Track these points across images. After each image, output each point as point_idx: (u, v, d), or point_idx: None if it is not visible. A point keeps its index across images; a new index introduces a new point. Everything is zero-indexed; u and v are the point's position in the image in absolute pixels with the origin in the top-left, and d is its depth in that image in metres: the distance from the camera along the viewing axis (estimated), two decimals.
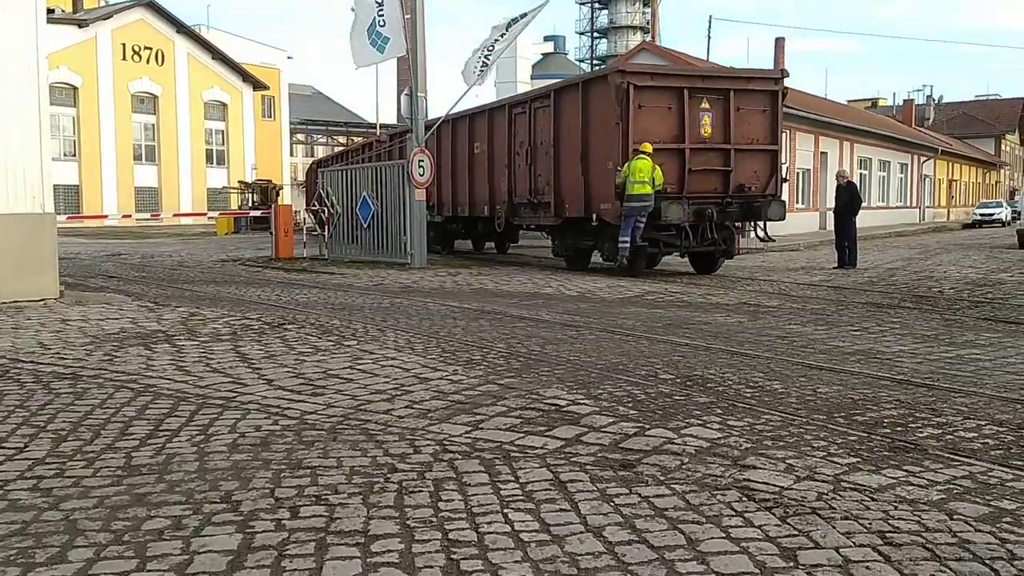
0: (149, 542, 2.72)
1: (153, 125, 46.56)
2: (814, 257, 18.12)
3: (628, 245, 13.10)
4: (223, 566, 2.54)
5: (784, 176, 14.74)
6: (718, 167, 13.51)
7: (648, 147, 12.82)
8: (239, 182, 44.76)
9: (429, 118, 16.90)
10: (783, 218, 14.25)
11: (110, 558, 2.60)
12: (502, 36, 15.65)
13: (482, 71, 15.65)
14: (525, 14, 15.85)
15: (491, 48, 15.55)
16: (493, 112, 17.39)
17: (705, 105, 13.38)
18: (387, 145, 22.54)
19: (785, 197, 15.21)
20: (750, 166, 13.73)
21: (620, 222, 13.12)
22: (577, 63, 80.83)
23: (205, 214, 37.81)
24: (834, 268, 15.36)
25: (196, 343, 6.54)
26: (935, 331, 7.74)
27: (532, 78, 70.75)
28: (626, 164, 12.81)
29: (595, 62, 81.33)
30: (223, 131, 49.99)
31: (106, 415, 4.32)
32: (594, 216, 13.71)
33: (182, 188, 46.87)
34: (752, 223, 14.15)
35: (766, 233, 14.17)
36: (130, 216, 34.28)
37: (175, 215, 35.82)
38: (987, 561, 2.56)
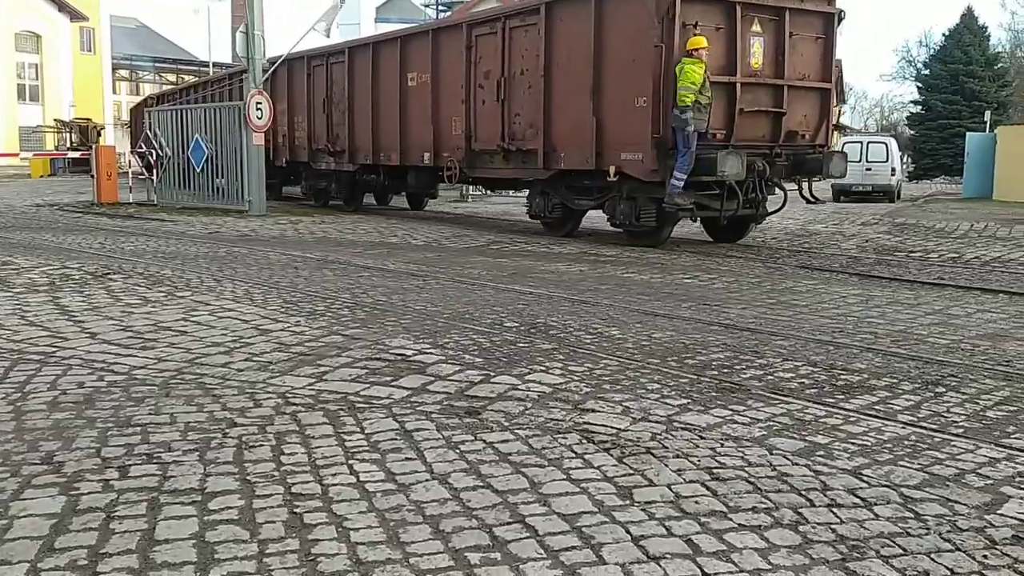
0: None
1: None
2: None
3: (684, 181, 9.91)
4: (46, 530, 2.39)
5: (837, 122, 12.63)
6: (768, 108, 10.67)
7: (702, 40, 9.77)
8: (55, 121, 41.40)
9: (267, 57, 16.12)
10: (844, 175, 11.94)
11: None
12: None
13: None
14: None
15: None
16: (440, 34, 13.81)
17: (756, 28, 10.48)
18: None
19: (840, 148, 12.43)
20: (800, 108, 10.98)
21: (676, 155, 9.90)
22: (423, 7, 79.37)
23: (17, 154, 34.78)
24: None
25: (9, 295, 6.06)
26: (759, 278, 8.24)
27: (376, 21, 68.99)
28: (689, 70, 9.62)
29: (440, 8, 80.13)
30: (37, 65, 45.92)
31: None
32: (611, 170, 10.61)
33: None
34: (798, 179, 11.52)
35: (811, 192, 11.69)
36: None
37: None
38: (803, 492, 2.77)
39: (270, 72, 16.24)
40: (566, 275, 8.19)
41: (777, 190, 11.26)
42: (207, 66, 46.25)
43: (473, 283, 7.40)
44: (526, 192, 15.86)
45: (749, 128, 10.55)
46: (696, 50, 9.68)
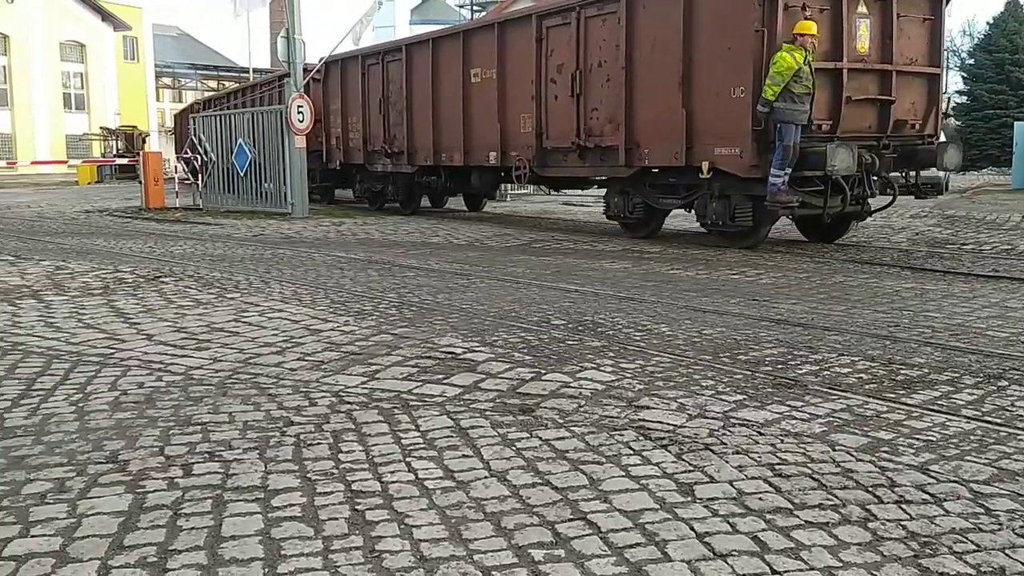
0: (31, 507, 2.56)
1: (5, 67, 43.22)
2: None
3: (782, 177, 9.10)
4: (114, 528, 2.42)
5: (947, 110, 11.01)
6: (875, 96, 9.88)
7: (812, 26, 9.09)
8: (101, 128, 42.25)
9: (308, 61, 16.27)
10: (959, 167, 10.98)
11: None
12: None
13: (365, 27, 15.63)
14: None
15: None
16: (507, 27, 13.09)
17: (862, 9, 9.69)
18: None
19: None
20: (908, 96, 10.16)
21: (773, 153, 9.17)
22: (457, 8, 79.61)
23: (66, 162, 35.54)
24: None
25: (65, 298, 6.18)
26: (807, 273, 8.12)
27: (411, 23, 69.37)
28: (780, 58, 8.93)
29: (475, 7, 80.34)
30: (82, 74, 46.91)
31: None
32: (705, 166, 9.88)
33: (39, 134, 43.86)
34: (904, 172, 10.38)
35: (917, 185, 10.47)
36: None
37: (33, 163, 33.50)
38: (870, 488, 2.71)
39: (312, 74, 16.39)
40: (610, 272, 8.15)
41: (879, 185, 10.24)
42: (247, 72, 46.89)
43: (518, 281, 7.40)
44: (576, 191, 15.52)
45: (856, 118, 9.76)
46: (801, 35, 9.02)
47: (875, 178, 9.86)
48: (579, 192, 18.14)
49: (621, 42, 10.89)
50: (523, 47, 12.52)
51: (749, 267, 8.55)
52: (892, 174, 10.17)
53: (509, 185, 17.49)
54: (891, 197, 10.21)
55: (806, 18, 9.17)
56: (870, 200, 10.14)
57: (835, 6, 9.52)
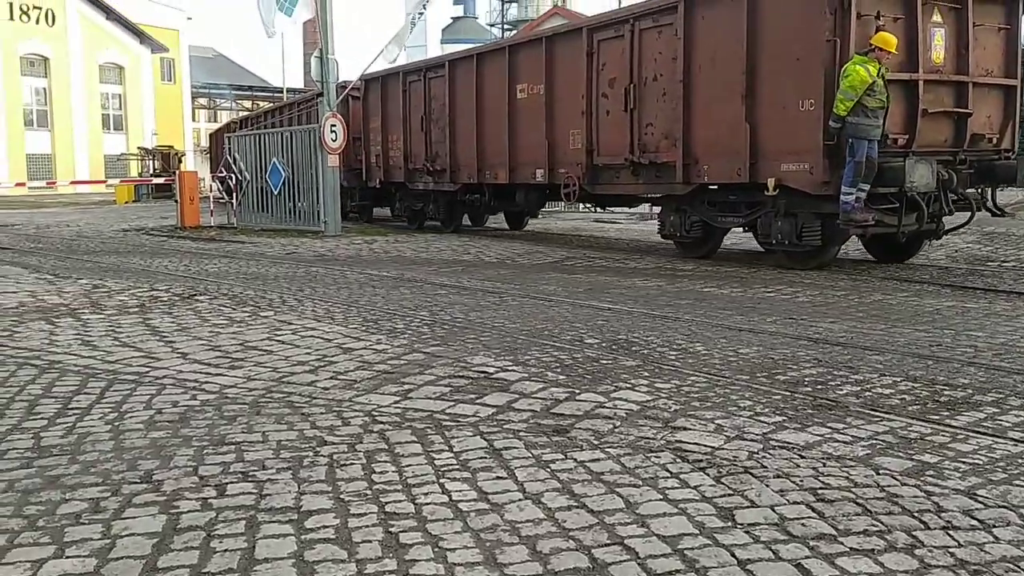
0: (66, 527, 2.56)
1: (45, 89, 44.24)
2: None
3: (854, 194, 8.69)
4: (148, 549, 2.41)
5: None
6: (951, 108, 9.44)
7: (893, 41, 8.65)
8: (139, 148, 43.04)
9: (340, 80, 16.41)
10: None
11: (25, 545, 2.44)
12: (419, 14, 15.69)
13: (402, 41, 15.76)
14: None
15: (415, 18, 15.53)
16: (555, 41, 12.85)
17: (937, 18, 9.31)
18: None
19: None
20: (984, 109, 9.70)
21: (844, 167, 8.76)
22: (488, 27, 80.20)
23: (104, 182, 36.19)
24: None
25: (102, 316, 6.24)
26: (845, 291, 8.00)
27: (442, 42, 69.97)
28: (853, 71, 8.51)
29: (506, 27, 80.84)
30: (120, 95, 47.88)
31: (10, 394, 4.07)
32: (771, 183, 9.43)
33: (78, 155, 44.79)
34: (980, 189, 9.90)
35: (995, 203, 9.99)
36: (24, 184, 32.46)
37: (72, 183, 34.14)
38: (916, 514, 2.63)
39: (348, 91, 16.52)
40: (643, 290, 8.08)
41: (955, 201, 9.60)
42: (281, 91, 47.53)
43: (550, 299, 7.36)
44: (613, 208, 15.15)
45: (931, 131, 9.29)
46: (880, 49, 8.57)
47: (952, 195, 9.35)
48: (612, 210, 18.08)
49: (679, 54, 10.53)
50: (573, 61, 12.22)
51: (785, 285, 8.44)
52: (968, 190, 9.75)
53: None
54: (968, 215, 9.71)
55: (880, 28, 8.81)
56: (945, 218, 9.66)
57: (909, 15, 9.11)
